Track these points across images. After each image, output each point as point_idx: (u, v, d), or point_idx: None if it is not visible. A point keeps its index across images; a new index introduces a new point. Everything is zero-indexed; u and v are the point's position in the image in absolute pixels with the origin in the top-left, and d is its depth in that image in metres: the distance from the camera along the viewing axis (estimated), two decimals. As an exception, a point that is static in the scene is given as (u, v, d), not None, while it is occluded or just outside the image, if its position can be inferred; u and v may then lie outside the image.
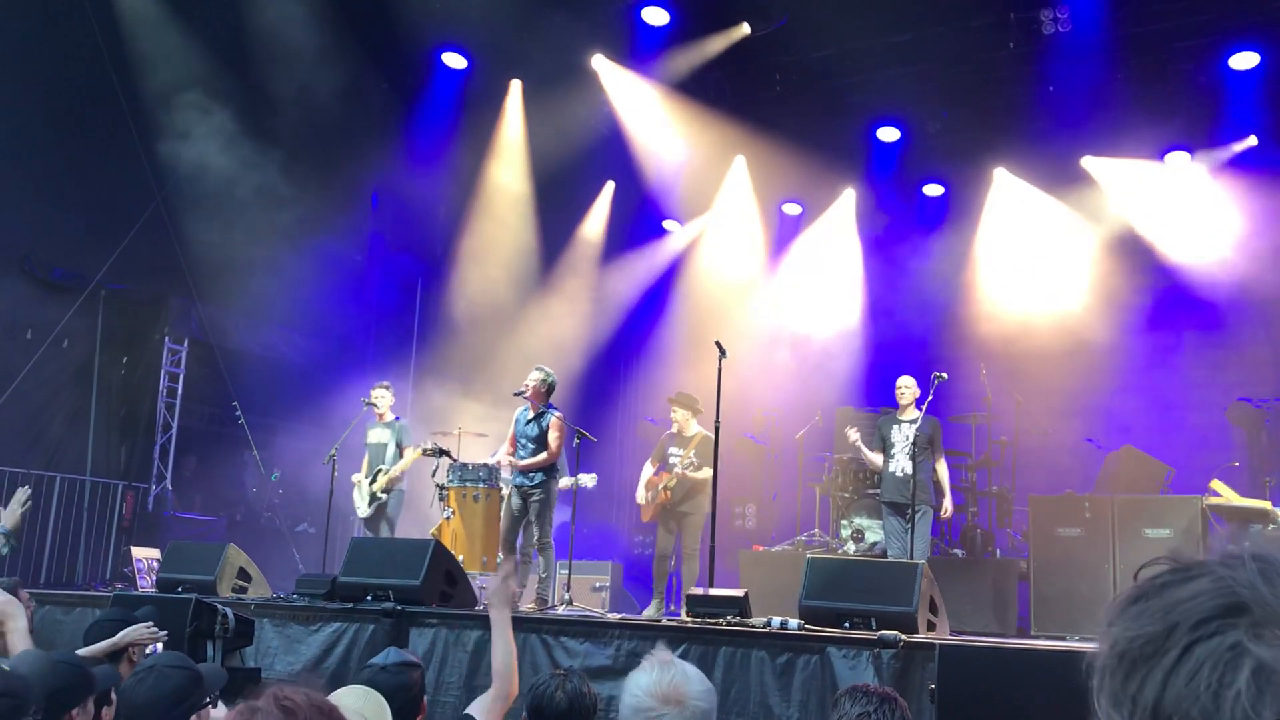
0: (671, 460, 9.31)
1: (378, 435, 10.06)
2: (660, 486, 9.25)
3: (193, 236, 11.53)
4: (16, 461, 10.61)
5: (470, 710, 3.89)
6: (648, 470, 9.51)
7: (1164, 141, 12.13)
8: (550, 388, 9.10)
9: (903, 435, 8.94)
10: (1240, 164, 11.91)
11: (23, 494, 5.27)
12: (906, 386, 9.09)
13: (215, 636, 5.97)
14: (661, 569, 9.41)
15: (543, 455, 8.85)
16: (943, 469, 9.06)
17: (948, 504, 9.01)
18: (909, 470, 8.72)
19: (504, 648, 4.09)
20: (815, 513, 11.66)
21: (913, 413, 8.99)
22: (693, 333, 13.35)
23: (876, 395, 12.07)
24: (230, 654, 6.11)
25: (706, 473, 8.99)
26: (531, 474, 8.89)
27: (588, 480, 9.78)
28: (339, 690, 3.19)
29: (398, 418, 10.22)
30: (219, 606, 6.16)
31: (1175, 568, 0.76)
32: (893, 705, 3.09)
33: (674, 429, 9.52)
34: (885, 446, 9.14)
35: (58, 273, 11.27)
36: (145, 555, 9.86)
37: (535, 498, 8.85)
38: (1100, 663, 0.76)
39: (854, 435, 9.42)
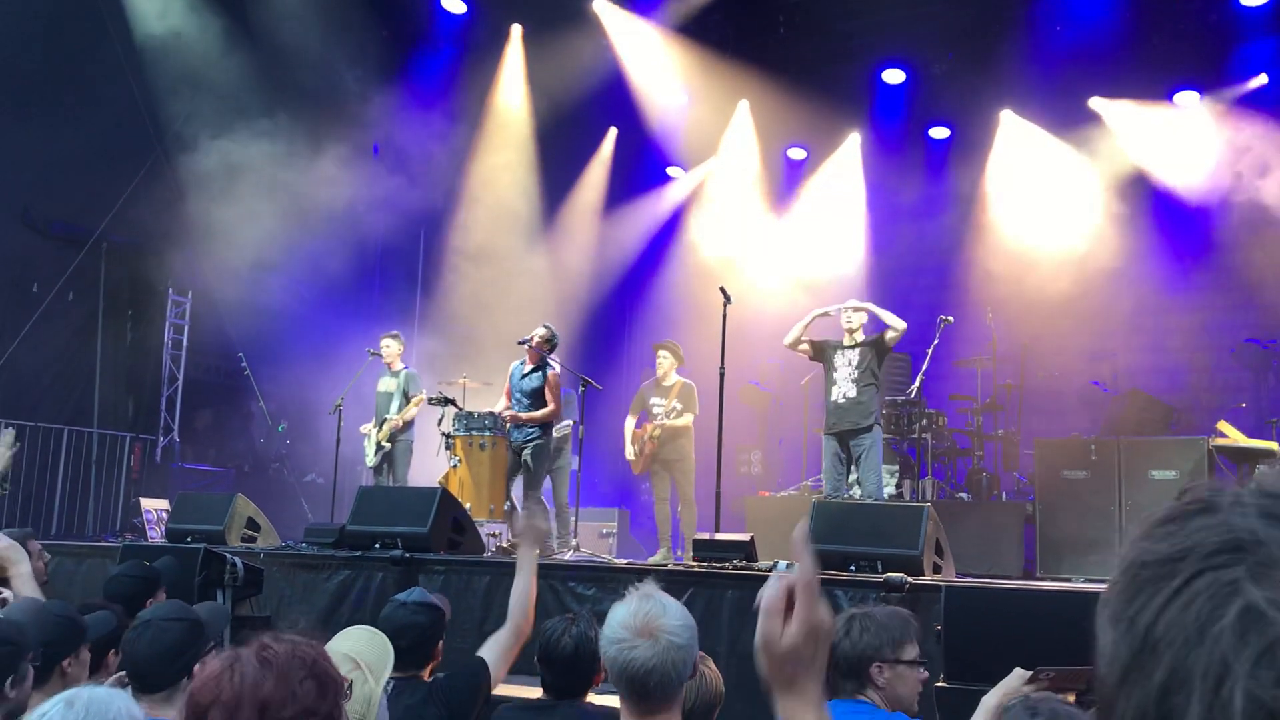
0: (655, 409, 9.31)
1: (386, 385, 10.07)
2: (646, 437, 9.27)
3: (194, 188, 11.46)
4: (24, 414, 10.64)
5: (481, 652, 3.91)
6: (630, 424, 9.50)
7: (1173, 81, 11.98)
8: (552, 345, 9.11)
9: (846, 360, 8.53)
10: (1250, 103, 11.76)
11: (9, 436, 5.29)
12: (856, 310, 8.67)
13: (225, 585, 6.03)
14: (664, 514, 9.43)
15: (543, 410, 8.92)
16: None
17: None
18: (852, 395, 8.41)
19: (524, 585, 4.09)
20: (821, 458, 11.66)
21: (860, 337, 8.59)
22: (697, 279, 13.29)
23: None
24: (240, 602, 6.17)
25: (688, 419, 9.23)
26: (527, 429, 8.96)
27: None
28: (346, 630, 3.18)
29: (406, 367, 10.23)
30: (228, 556, 6.21)
31: (1209, 495, 0.74)
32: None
33: (658, 374, 9.50)
34: (827, 371, 8.66)
35: (57, 226, 11.22)
36: (154, 506, 9.94)
37: (527, 452, 8.96)
38: (1114, 575, 0.74)
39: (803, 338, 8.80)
